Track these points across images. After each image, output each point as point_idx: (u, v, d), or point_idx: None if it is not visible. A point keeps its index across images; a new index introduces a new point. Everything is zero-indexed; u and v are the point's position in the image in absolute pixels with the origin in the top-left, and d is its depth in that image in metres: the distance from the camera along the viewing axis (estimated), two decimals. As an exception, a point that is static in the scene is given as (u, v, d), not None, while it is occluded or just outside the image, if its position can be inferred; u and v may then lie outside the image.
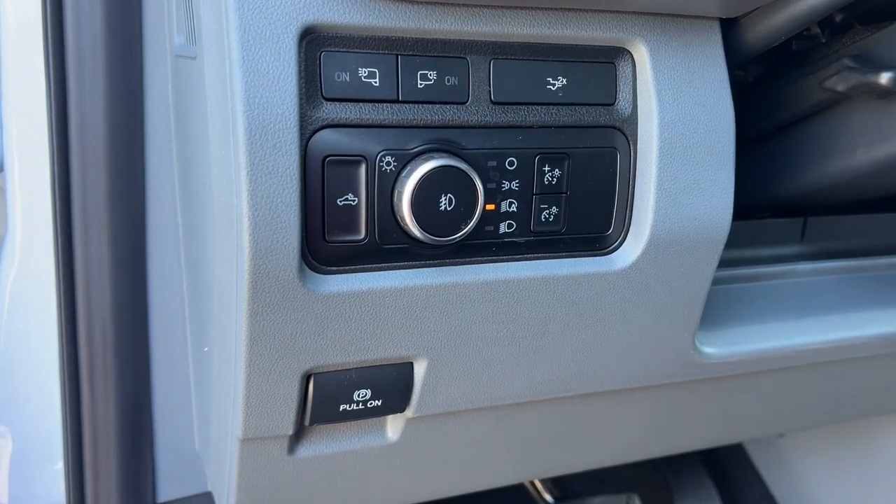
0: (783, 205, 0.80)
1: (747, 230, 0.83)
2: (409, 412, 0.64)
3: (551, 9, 0.55)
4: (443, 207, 0.53)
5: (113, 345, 0.80)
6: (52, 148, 0.75)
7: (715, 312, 0.76)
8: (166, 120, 0.75)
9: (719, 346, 0.73)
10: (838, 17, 0.71)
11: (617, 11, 0.57)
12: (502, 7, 0.53)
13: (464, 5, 0.52)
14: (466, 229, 0.54)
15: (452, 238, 0.54)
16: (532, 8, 0.54)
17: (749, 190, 0.77)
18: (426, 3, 0.51)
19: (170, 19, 0.71)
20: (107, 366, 0.80)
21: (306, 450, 0.64)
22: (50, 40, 0.73)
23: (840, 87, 0.63)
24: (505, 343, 0.62)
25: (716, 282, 0.69)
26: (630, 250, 0.61)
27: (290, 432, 0.61)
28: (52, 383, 0.82)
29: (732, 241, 0.66)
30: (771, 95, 0.72)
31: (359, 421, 0.64)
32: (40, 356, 0.82)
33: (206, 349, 0.68)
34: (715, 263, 0.65)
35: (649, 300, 0.64)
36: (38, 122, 0.76)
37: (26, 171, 0.78)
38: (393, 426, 0.67)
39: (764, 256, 0.84)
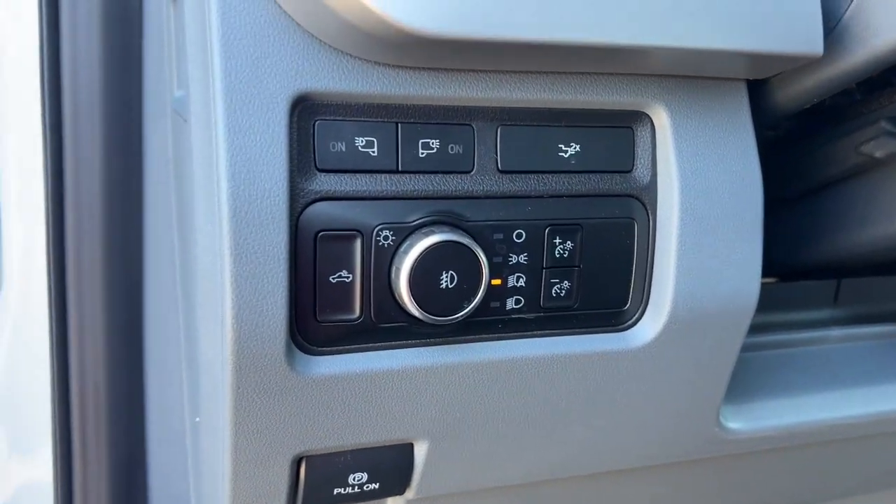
0: (815, 268, 0.76)
1: (776, 293, 0.79)
2: (410, 494, 0.60)
3: (565, 73, 0.51)
4: (444, 285, 0.49)
5: (106, 402, 0.77)
6: (48, 201, 0.72)
7: (741, 383, 0.71)
8: (167, 175, 0.72)
9: (745, 421, 0.68)
10: (875, 74, 0.67)
11: (636, 74, 0.53)
12: (511, 72, 0.50)
13: (469, 70, 0.49)
14: (469, 308, 0.50)
15: (454, 318, 0.50)
16: (544, 72, 0.51)
17: (779, 254, 0.72)
18: (428, 69, 0.48)
19: (170, 70, 0.68)
20: (99, 423, 0.77)
21: (300, 531, 0.60)
22: (47, 89, 0.71)
23: (878, 154, 0.58)
24: (514, 424, 0.57)
25: (742, 349, 0.64)
26: (649, 327, 0.57)
27: (282, 516, 0.57)
28: (43, 439, 0.79)
29: (760, 304, 0.61)
30: (803, 155, 0.68)
31: (356, 502, 0.60)
32: (32, 414, 0.79)
33: (197, 419, 0.65)
34: (741, 339, 0.60)
35: (670, 378, 0.60)
36: (34, 174, 0.74)
37: (22, 226, 0.76)
38: (394, 505, 0.63)
39: (794, 321, 0.79)
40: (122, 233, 0.72)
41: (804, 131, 0.70)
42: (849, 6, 0.52)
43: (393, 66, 0.47)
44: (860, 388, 0.74)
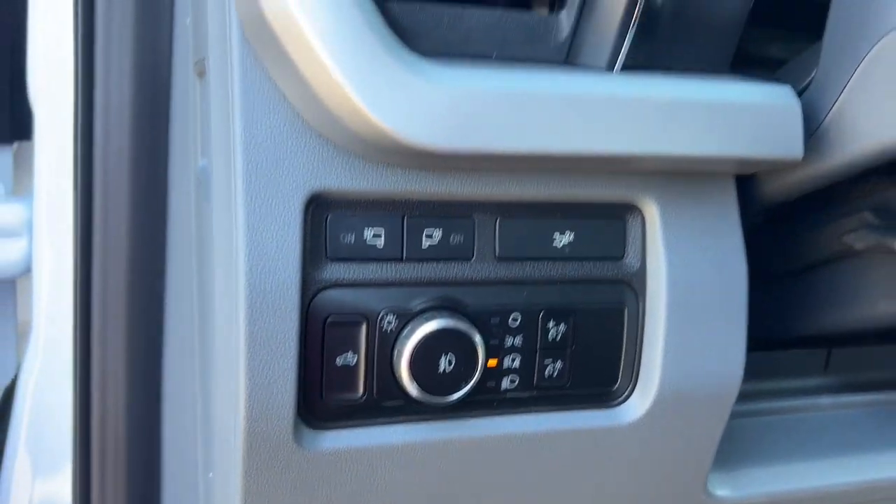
0: (803, 342, 0.78)
1: (766, 360, 0.81)
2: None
3: (560, 170, 0.55)
4: (442, 368, 0.53)
5: (125, 434, 0.80)
6: (77, 260, 0.77)
7: (729, 451, 0.73)
8: (189, 236, 0.76)
9: (733, 489, 0.71)
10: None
11: (628, 171, 0.56)
12: (509, 170, 0.53)
13: (471, 170, 0.53)
14: (466, 389, 0.54)
15: (452, 398, 0.54)
16: (540, 170, 0.54)
17: (766, 328, 0.75)
18: (434, 168, 0.52)
19: (195, 138, 0.72)
20: (118, 453, 0.81)
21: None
22: (80, 146, 0.76)
23: (858, 246, 0.62)
24: (507, 495, 0.60)
25: (731, 416, 0.67)
26: (638, 404, 0.60)
27: (286, 577, 0.60)
28: (63, 464, 0.83)
29: (750, 372, 0.64)
30: (789, 237, 0.71)
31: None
32: (55, 439, 0.83)
33: (210, 475, 0.68)
34: (726, 417, 0.63)
35: (658, 452, 0.62)
36: (64, 231, 0.79)
37: (51, 273, 0.80)
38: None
39: (784, 389, 0.82)
40: (146, 285, 0.76)
41: (791, 213, 0.73)
42: (829, 112, 0.55)
43: (400, 166, 0.51)
44: (850, 456, 0.76)
